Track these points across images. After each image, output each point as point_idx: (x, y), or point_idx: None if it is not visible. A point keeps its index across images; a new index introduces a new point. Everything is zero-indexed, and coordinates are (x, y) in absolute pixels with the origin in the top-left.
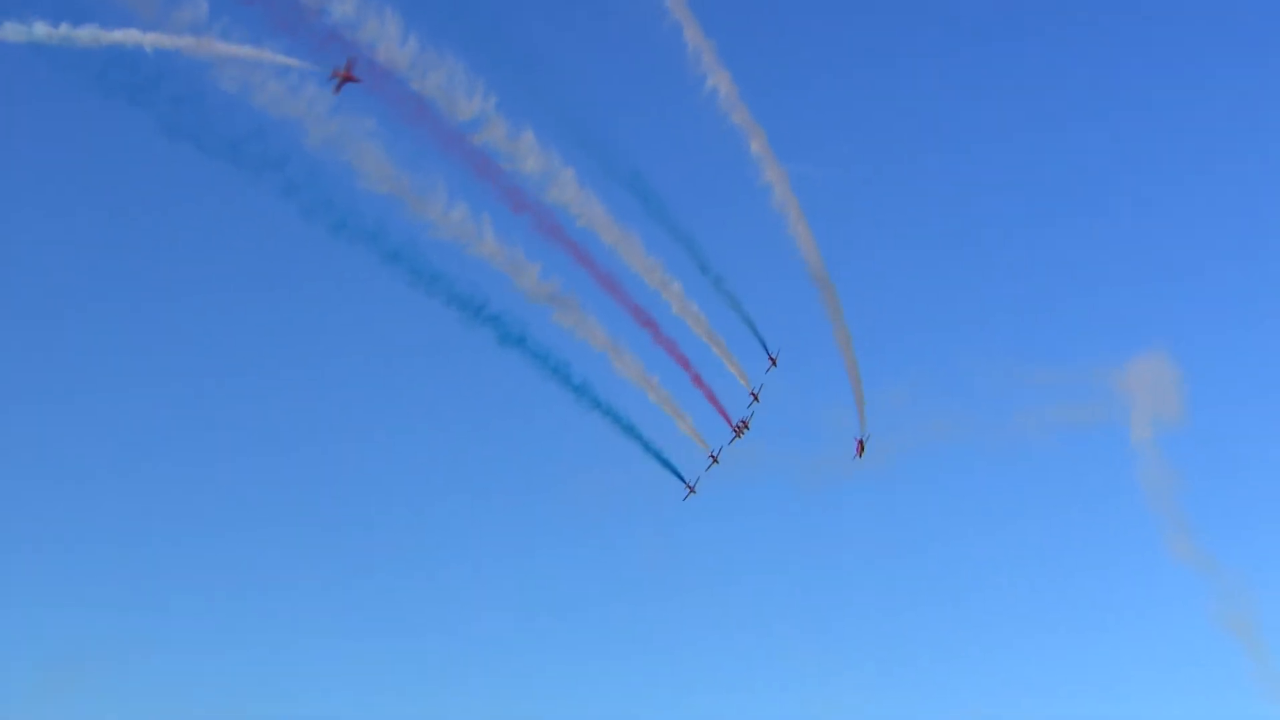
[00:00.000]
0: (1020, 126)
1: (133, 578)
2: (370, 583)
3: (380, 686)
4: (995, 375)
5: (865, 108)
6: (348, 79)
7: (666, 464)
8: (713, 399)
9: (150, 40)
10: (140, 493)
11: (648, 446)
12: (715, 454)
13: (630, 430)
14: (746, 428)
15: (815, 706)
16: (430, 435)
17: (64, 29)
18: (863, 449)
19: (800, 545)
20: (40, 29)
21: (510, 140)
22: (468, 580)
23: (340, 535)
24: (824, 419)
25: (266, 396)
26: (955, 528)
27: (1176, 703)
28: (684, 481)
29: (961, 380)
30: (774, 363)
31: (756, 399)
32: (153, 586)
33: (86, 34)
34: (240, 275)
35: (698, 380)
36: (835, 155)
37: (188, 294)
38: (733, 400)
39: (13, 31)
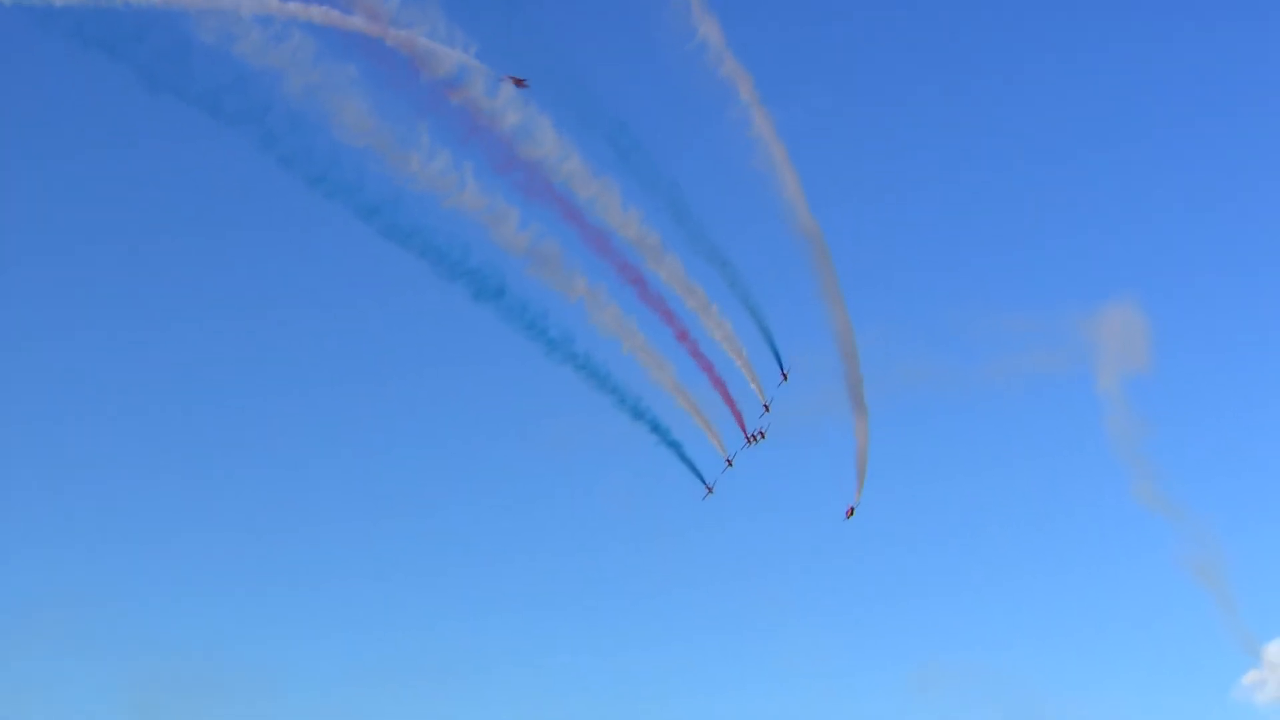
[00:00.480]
0: (994, 74)
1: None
2: (349, 529)
3: (355, 639)
4: (964, 322)
5: (842, 54)
6: (519, 83)
7: (641, 415)
8: (697, 354)
9: None
10: (117, 446)
11: (623, 399)
12: (731, 457)
13: (604, 381)
14: (762, 436)
15: (784, 643)
16: (406, 386)
17: None
18: (852, 514)
19: (770, 489)
20: None
21: (489, 97)
22: (447, 529)
23: (311, 485)
24: (803, 363)
25: (241, 345)
26: (921, 473)
27: (1143, 649)
28: (703, 481)
29: (930, 327)
30: (785, 377)
31: (767, 409)
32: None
33: None
34: (216, 224)
35: (683, 336)
36: (811, 102)
37: (165, 243)
38: (719, 358)
39: None
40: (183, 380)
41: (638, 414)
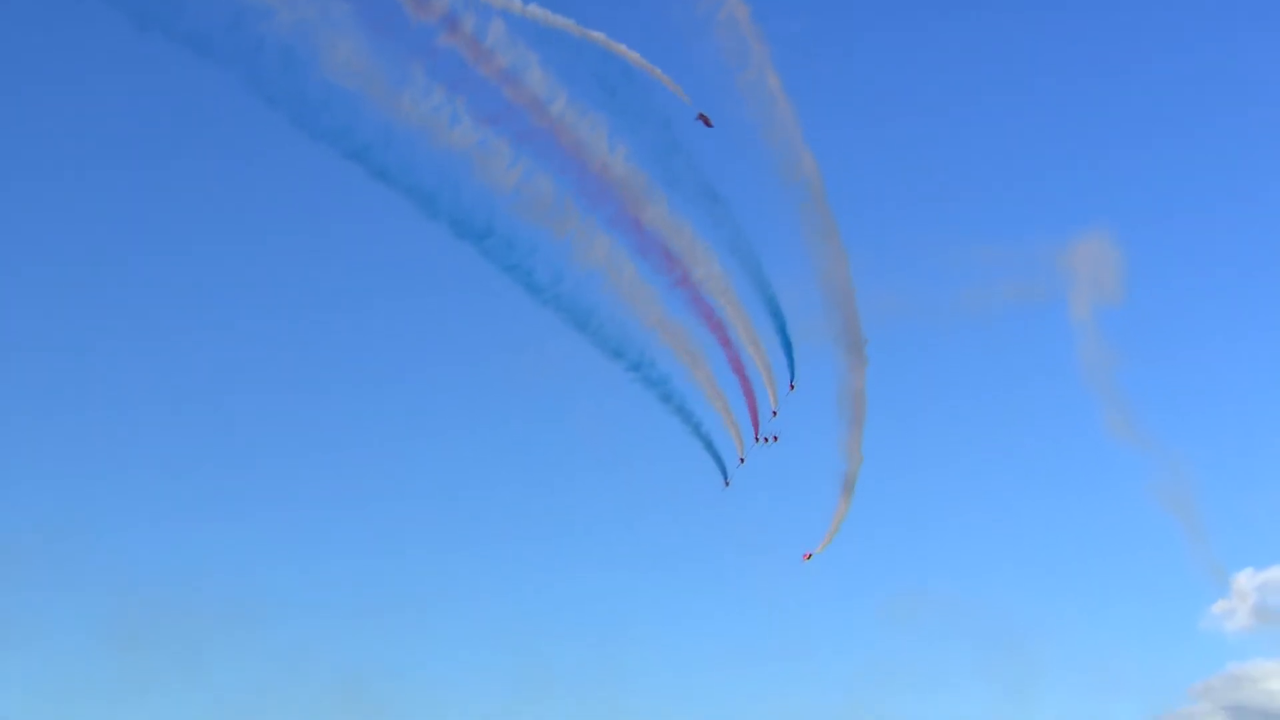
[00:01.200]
0: (969, 6)
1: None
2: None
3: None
4: (937, 252)
5: None
6: (706, 121)
7: (617, 353)
8: (687, 280)
9: None
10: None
11: (597, 334)
12: (743, 457)
13: (586, 321)
14: (775, 439)
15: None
16: (388, 319)
17: None
18: (809, 558)
19: None
20: None
21: (479, 40)
22: (426, 459)
23: (290, 416)
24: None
25: (221, 280)
26: (893, 404)
27: (1113, 578)
28: (724, 472)
29: (903, 257)
30: (793, 387)
31: (775, 414)
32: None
33: None
34: (200, 159)
35: (684, 280)
36: (789, 30)
37: (152, 176)
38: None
39: None
40: (166, 312)
41: (619, 354)
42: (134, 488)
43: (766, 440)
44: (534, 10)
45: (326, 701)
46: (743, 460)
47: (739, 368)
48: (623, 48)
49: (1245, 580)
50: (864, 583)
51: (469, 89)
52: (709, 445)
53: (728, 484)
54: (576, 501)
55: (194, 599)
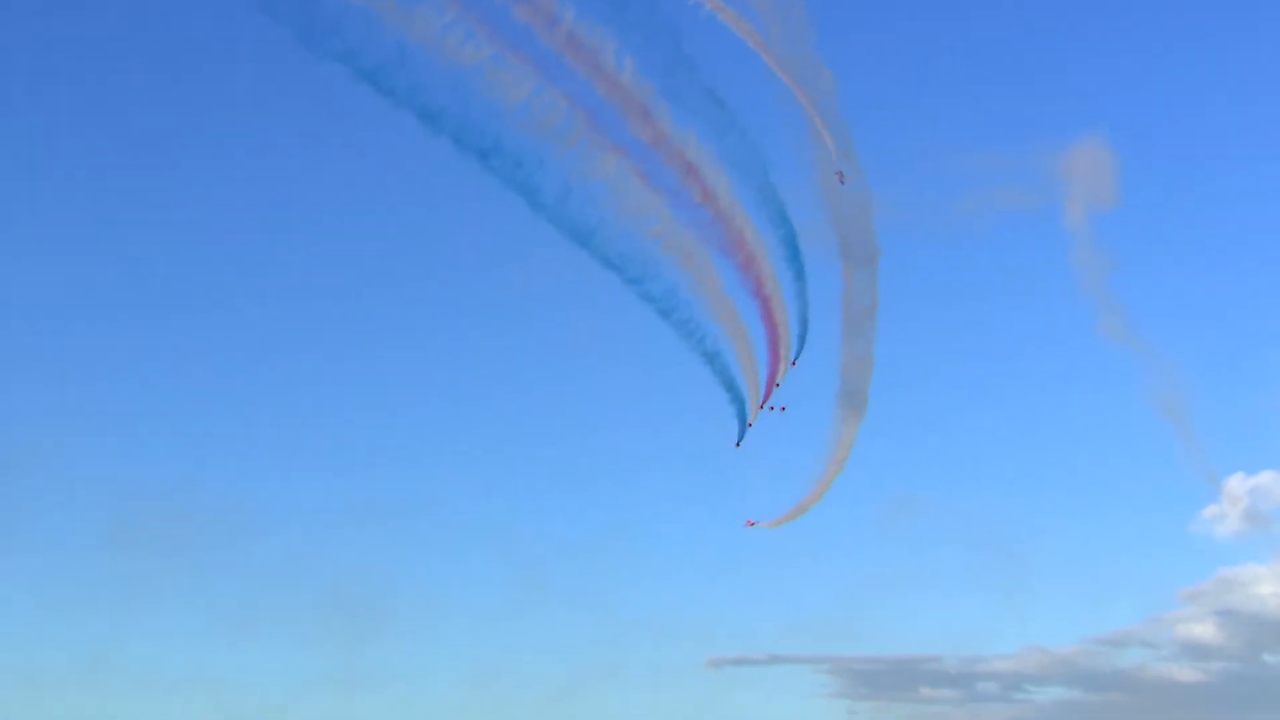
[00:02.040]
0: None
1: None
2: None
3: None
4: (933, 159)
5: None
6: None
7: (612, 264)
8: (694, 190)
9: None
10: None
11: (599, 247)
12: (751, 421)
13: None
14: (784, 409)
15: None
16: (389, 230)
17: None
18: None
19: None
20: None
21: None
22: (421, 369)
23: (287, 325)
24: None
25: (224, 191)
26: (887, 310)
27: (1105, 482)
28: (738, 436)
29: (899, 164)
30: (793, 364)
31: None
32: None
33: None
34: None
35: (691, 191)
36: None
37: (162, 90)
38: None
39: None
40: (166, 224)
41: (618, 266)
42: (131, 396)
43: (773, 409)
44: None
45: (322, 606)
46: (751, 424)
47: (752, 284)
48: None
49: (1236, 485)
50: (860, 490)
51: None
52: (713, 359)
53: (739, 445)
54: (573, 409)
55: (191, 506)
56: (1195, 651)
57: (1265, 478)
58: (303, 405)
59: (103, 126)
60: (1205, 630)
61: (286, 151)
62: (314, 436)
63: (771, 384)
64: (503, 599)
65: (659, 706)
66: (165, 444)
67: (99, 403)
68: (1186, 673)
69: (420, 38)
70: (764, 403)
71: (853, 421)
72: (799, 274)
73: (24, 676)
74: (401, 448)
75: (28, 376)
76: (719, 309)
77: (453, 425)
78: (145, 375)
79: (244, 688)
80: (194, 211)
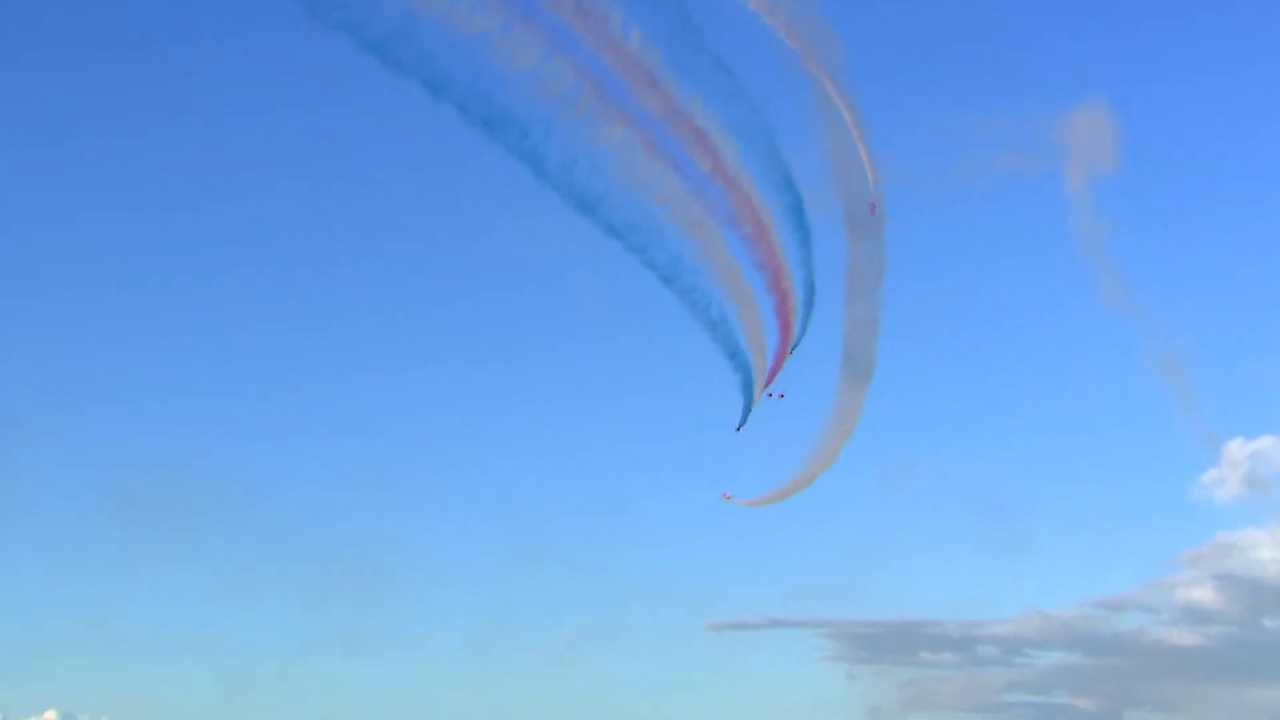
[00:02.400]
0: None
1: None
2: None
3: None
4: (933, 123)
5: None
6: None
7: (617, 232)
8: (701, 158)
9: None
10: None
11: (604, 214)
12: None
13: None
14: (783, 396)
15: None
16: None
17: None
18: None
19: None
20: None
21: None
22: (425, 335)
23: (292, 293)
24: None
25: (232, 155)
26: (891, 274)
27: (1105, 447)
28: (741, 418)
29: (899, 127)
30: (791, 352)
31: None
32: None
33: None
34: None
35: (699, 158)
36: None
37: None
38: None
39: None
40: (169, 190)
41: (622, 233)
42: (132, 364)
43: (772, 395)
44: None
45: (324, 571)
46: (754, 408)
47: (758, 251)
48: None
49: (1236, 450)
50: (861, 453)
51: None
52: (716, 327)
53: (740, 430)
54: (576, 376)
55: (193, 472)
56: (1195, 616)
57: (1265, 442)
58: (305, 371)
59: (111, 95)
60: (1204, 595)
61: (292, 120)
62: (316, 402)
63: (776, 370)
64: (504, 564)
65: (660, 671)
66: (168, 410)
67: (101, 370)
68: (1186, 637)
69: (426, 6)
70: (767, 384)
71: (858, 391)
72: (805, 241)
73: (28, 641)
74: (403, 414)
75: (30, 345)
76: (724, 276)
77: (455, 391)
78: (148, 343)
79: (246, 652)
80: (198, 179)
